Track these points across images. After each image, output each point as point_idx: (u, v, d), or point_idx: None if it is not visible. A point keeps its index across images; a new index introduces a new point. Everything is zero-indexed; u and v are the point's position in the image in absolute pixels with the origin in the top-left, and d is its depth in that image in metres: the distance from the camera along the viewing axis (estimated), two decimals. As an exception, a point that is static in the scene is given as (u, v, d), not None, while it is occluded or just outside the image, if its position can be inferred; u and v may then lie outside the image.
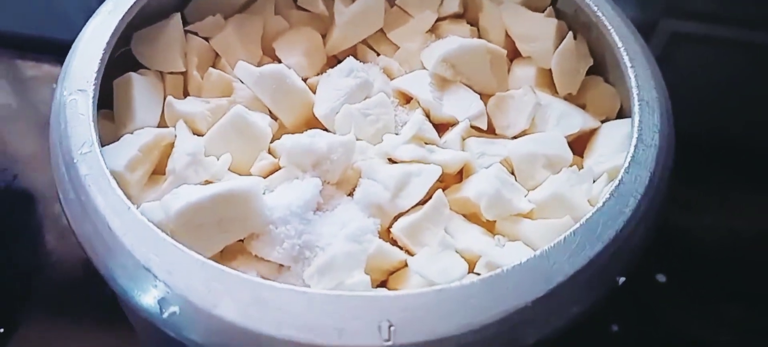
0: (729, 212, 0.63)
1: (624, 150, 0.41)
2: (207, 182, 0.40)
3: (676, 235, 0.61)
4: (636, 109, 0.39)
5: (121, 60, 0.44)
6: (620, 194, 0.36)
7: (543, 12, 0.48)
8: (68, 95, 0.37)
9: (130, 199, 0.39)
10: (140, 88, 0.42)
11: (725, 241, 0.61)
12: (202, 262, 0.32)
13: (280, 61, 0.47)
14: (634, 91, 0.40)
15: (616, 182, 0.36)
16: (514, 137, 0.45)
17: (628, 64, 0.41)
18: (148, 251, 0.32)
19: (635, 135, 0.38)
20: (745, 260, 0.59)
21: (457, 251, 0.38)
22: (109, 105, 0.43)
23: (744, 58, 0.63)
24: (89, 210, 0.34)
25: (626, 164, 0.37)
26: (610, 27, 0.44)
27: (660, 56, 0.63)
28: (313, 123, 0.44)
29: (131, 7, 0.43)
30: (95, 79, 0.38)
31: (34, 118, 0.67)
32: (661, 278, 0.58)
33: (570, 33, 0.46)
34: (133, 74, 0.43)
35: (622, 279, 0.34)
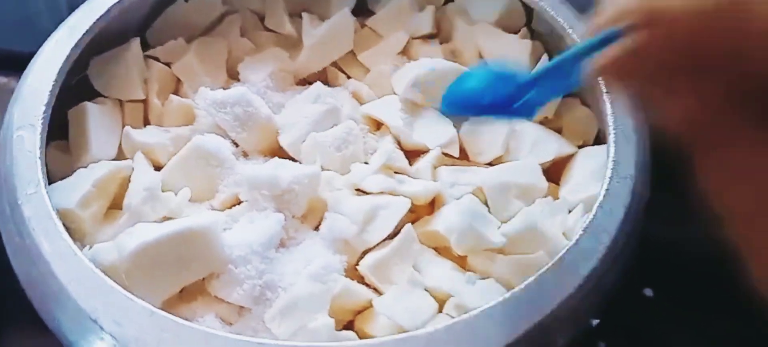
0: (715, 224, 0.62)
1: (600, 179, 0.39)
2: (165, 219, 0.38)
3: (663, 249, 0.60)
4: (611, 138, 0.38)
5: (77, 86, 0.42)
6: (594, 230, 0.34)
7: (517, 32, 0.47)
8: (16, 130, 0.35)
9: (83, 237, 0.37)
10: (96, 118, 0.41)
11: (711, 254, 0.61)
12: (152, 311, 0.30)
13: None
14: (610, 119, 0.39)
15: (591, 216, 0.35)
16: (488, 164, 0.43)
17: (604, 89, 0.40)
18: (95, 300, 0.30)
19: (610, 166, 0.37)
20: (731, 273, 0.58)
21: (426, 290, 0.36)
22: (63, 136, 0.41)
23: None
24: (34, 255, 0.32)
25: (601, 198, 0.36)
26: (585, 50, 0.42)
27: None
28: (277, 151, 0.43)
29: (88, 30, 0.41)
30: (44, 113, 0.36)
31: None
32: (648, 292, 0.57)
33: (545, 55, 0.45)
34: (88, 104, 0.41)
35: (595, 321, 0.33)
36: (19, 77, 0.69)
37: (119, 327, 0.30)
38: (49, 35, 0.66)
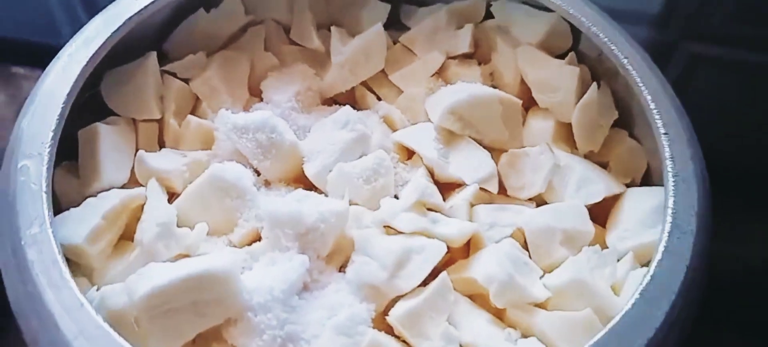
0: (739, 239, 0.59)
1: (653, 225, 0.36)
2: (179, 256, 0.35)
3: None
4: (670, 186, 0.35)
5: (90, 102, 0.39)
6: (651, 294, 0.31)
7: (563, 56, 0.43)
8: (21, 159, 0.33)
9: (90, 273, 0.35)
10: (108, 141, 0.38)
11: (735, 270, 0.58)
12: (165, 375, 0.28)
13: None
14: (668, 163, 0.35)
15: (647, 276, 0.32)
16: (529, 200, 0.40)
17: (662, 131, 0.36)
18: (102, 360, 0.28)
19: (669, 220, 0.33)
20: (757, 289, 0.56)
21: (461, 346, 0.33)
22: (73, 155, 0.38)
23: (763, 80, 0.60)
24: (36, 303, 0.29)
25: (659, 256, 0.32)
26: (640, 81, 0.39)
27: (679, 78, 0.60)
28: (302, 180, 0.40)
29: (103, 44, 0.38)
30: (52, 139, 0.33)
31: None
32: None
33: (594, 85, 0.41)
34: (100, 126, 0.38)
35: (651, 398, 0.30)
36: (33, 69, 0.68)
37: (129, 391, 0.27)
38: (63, 26, 0.63)
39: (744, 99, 0.59)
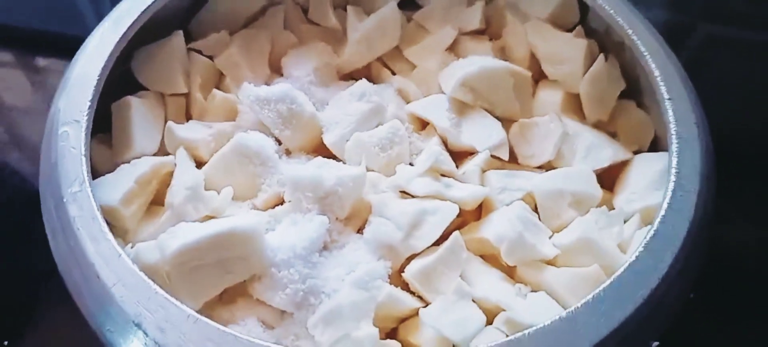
0: (761, 223, 0.59)
1: (658, 188, 0.37)
2: (207, 218, 0.37)
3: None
4: (674, 147, 0.36)
5: (121, 79, 0.41)
6: (655, 247, 0.32)
7: (571, 30, 0.45)
8: (61, 126, 0.35)
9: (125, 234, 0.37)
10: (139, 113, 0.40)
11: (758, 254, 0.58)
12: (196, 318, 0.30)
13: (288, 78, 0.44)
14: (672, 126, 0.37)
15: (651, 231, 0.33)
16: (539, 167, 0.41)
17: (666, 96, 0.38)
18: (139, 305, 0.30)
19: (673, 179, 0.35)
20: None
21: (474, 301, 0.35)
22: (106, 128, 0.40)
23: None
24: (78, 256, 0.32)
25: (662, 212, 0.34)
26: (645, 51, 0.40)
27: (696, 59, 0.60)
28: (321, 150, 0.42)
29: (133, 23, 0.40)
30: (89, 109, 0.36)
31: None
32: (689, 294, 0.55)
33: (601, 56, 0.43)
34: (131, 98, 0.40)
35: (655, 344, 0.31)
36: (58, 59, 0.70)
37: (162, 333, 0.29)
38: (88, 18, 0.65)
39: (760, 81, 0.59)
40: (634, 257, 0.32)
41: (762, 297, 0.53)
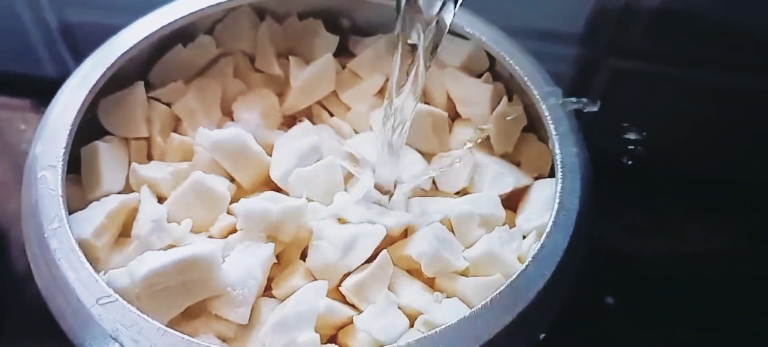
0: (674, 236, 0.67)
1: (549, 209, 0.45)
2: (170, 246, 0.43)
3: (624, 258, 0.65)
4: (559, 175, 0.44)
5: (88, 125, 0.47)
6: (541, 257, 0.40)
7: (481, 76, 0.53)
8: (39, 170, 0.40)
9: (97, 263, 0.42)
10: (106, 155, 0.45)
11: (671, 263, 0.66)
12: (164, 330, 0.35)
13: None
14: (558, 157, 0.45)
15: (538, 245, 0.41)
16: (456, 193, 0.49)
17: (554, 132, 0.46)
18: (115, 321, 0.36)
19: (557, 200, 0.43)
20: (690, 281, 0.63)
21: (399, 307, 0.42)
22: (76, 169, 0.46)
23: (682, 92, 0.69)
24: (60, 283, 0.37)
25: (548, 229, 0.41)
26: (537, 95, 0.48)
27: (604, 92, 0.69)
28: (269, 184, 0.48)
29: (99, 78, 0.46)
30: (64, 155, 0.41)
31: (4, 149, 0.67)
32: (609, 300, 0.62)
33: (505, 98, 0.51)
34: (99, 143, 0.46)
35: (542, 336, 0.39)
36: (15, 96, 0.73)
37: (136, 344, 0.35)
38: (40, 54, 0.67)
39: (665, 110, 0.67)
40: (524, 266, 0.40)
41: (674, 301, 0.61)
